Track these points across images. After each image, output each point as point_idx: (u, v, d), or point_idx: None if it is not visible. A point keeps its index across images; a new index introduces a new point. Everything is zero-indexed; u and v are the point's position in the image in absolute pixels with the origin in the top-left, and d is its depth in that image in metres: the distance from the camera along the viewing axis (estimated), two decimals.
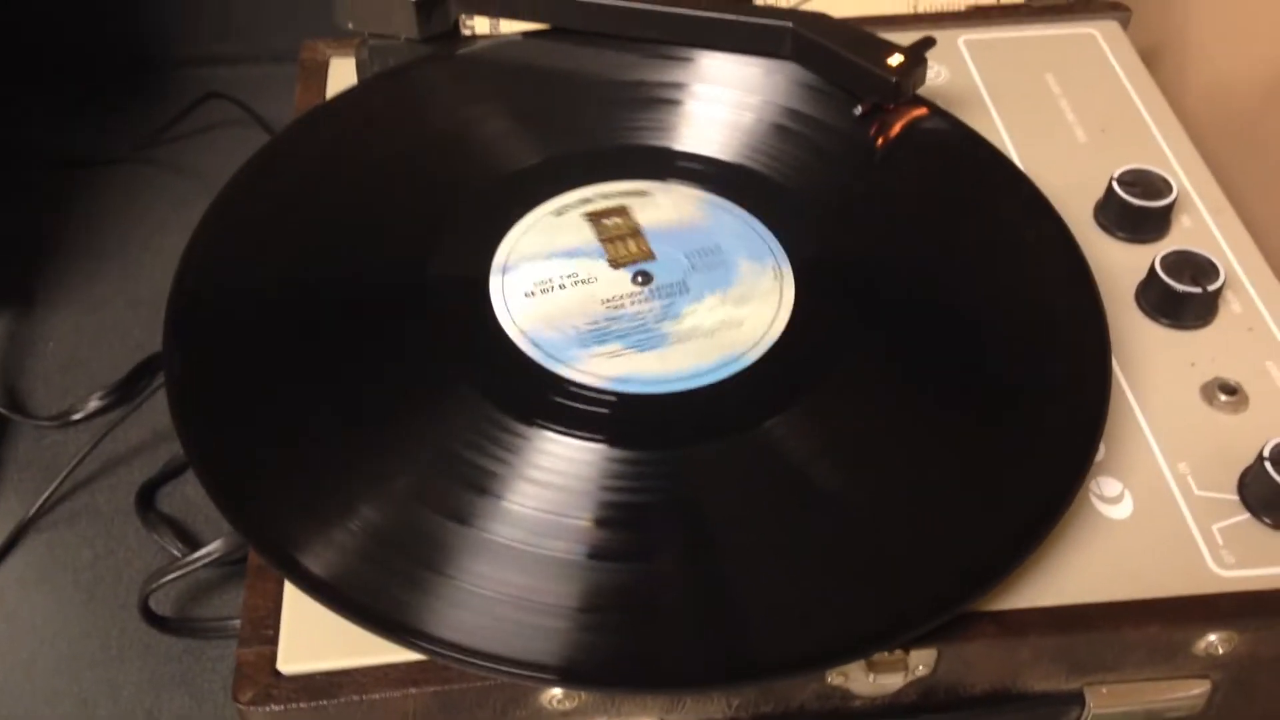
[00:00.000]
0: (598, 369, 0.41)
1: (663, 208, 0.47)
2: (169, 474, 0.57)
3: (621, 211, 0.46)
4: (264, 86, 0.76)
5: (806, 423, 0.40)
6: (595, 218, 0.45)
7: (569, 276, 0.44)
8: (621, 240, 0.45)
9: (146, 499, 0.56)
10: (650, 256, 0.45)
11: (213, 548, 0.49)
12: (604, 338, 0.42)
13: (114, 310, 0.65)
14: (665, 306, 0.44)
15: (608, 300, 0.44)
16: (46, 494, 0.55)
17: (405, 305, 0.43)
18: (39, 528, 0.55)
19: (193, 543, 0.54)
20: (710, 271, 0.45)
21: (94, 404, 0.59)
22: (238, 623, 0.50)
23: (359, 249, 0.45)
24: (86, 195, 0.71)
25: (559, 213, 0.46)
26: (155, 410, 0.59)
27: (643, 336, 0.43)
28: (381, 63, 0.52)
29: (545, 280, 0.44)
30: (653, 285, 0.44)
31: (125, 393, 0.60)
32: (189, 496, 0.56)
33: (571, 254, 0.45)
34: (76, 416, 0.59)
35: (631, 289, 0.44)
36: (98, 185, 0.71)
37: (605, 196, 0.47)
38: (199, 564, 0.49)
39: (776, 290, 0.44)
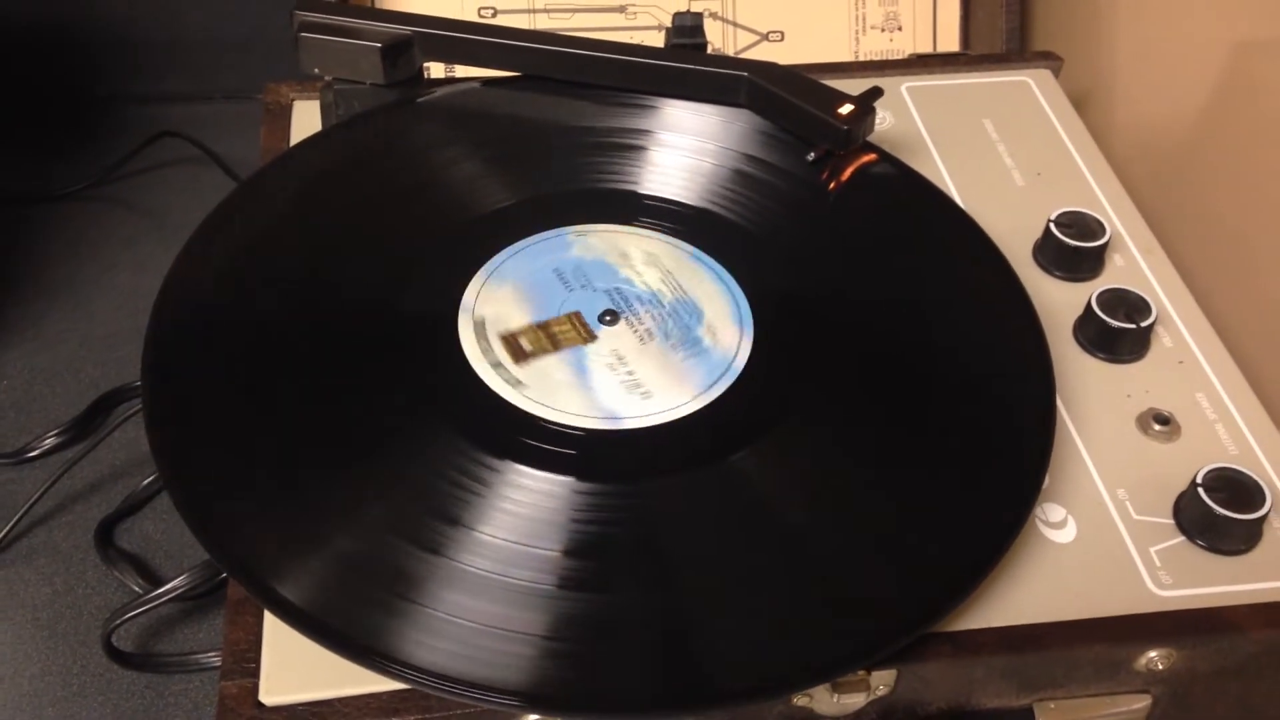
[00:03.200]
0: (566, 405, 0.43)
1: (632, 257, 0.48)
2: (127, 510, 0.57)
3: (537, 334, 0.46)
4: (215, 124, 0.77)
5: (768, 457, 0.42)
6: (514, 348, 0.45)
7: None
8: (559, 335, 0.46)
9: (105, 535, 0.56)
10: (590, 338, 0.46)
11: (176, 583, 0.49)
12: (575, 372, 0.44)
13: (67, 348, 0.65)
14: (633, 346, 0.45)
15: (577, 338, 0.45)
16: (4, 532, 0.55)
17: (379, 342, 0.44)
18: None
19: (153, 578, 0.54)
20: (674, 314, 0.46)
21: (50, 441, 0.59)
22: (200, 658, 0.51)
23: (334, 286, 0.46)
24: (37, 232, 0.71)
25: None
26: (112, 447, 0.59)
27: (609, 373, 0.44)
28: (346, 107, 0.53)
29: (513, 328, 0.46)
30: (621, 324, 0.46)
31: (81, 430, 0.60)
32: (148, 532, 0.57)
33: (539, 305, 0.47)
34: (33, 454, 0.59)
35: (601, 327, 0.46)
36: (48, 222, 0.71)
37: (587, 237, 0.49)
38: (163, 599, 0.50)
39: (737, 329, 0.46)
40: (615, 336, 0.45)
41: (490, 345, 0.44)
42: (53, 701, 0.51)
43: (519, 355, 0.44)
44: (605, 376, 0.44)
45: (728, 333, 0.45)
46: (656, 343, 0.45)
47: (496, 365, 0.44)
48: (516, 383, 0.43)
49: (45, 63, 0.78)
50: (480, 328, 0.45)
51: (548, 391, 0.43)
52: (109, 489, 0.58)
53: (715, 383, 0.44)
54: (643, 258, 0.48)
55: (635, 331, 0.46)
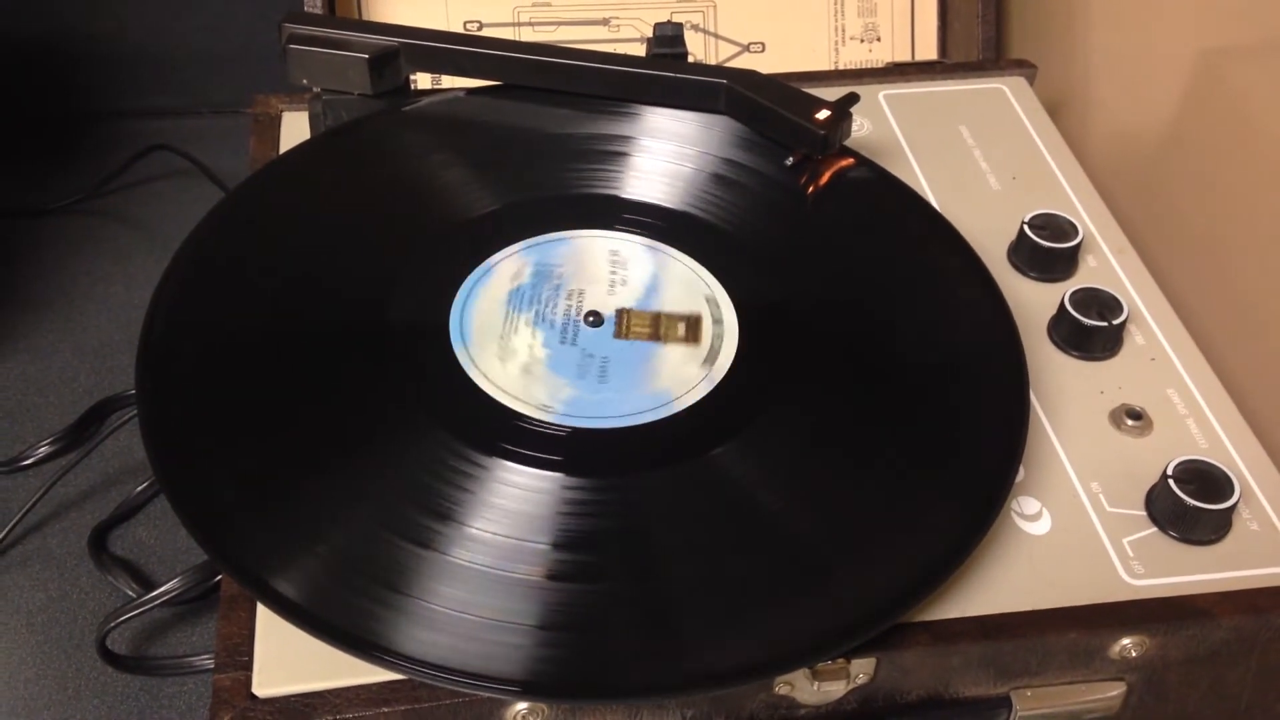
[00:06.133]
0: (553, 403, 0.44)
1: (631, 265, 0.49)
2: (120, 516, 0.58)
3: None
4: (206, 137, 0.78)
5: (749, 451, 0.43)
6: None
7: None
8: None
9: (99, 542, 0.56)
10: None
11: (170, 586, 0.50)
12: (558, 373, 0.45)
13: (60, 358, 0.66)
14: (600, 351, 0.46)
15: (561, 339, 0.46)
16: None
17: (367, 343, 0.45)
18: None
19: (147, 583, 0.55)
20: (656, 315, 0.47)
21: (44, 449, 0.60)
22: (194, 660, 0.52)
23: (322, 290, 0.47)
24: (30, 246, 0.72)
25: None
26: (105, 455, 0.60)
27: (568, 369, 0.45)
28: (335, 116, 0.54)
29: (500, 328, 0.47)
30: (605, 326, 0.47)
31: (74, 438, 0.61)
32: (141, 538, 0.57)
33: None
34: (26, 462, 0.60)
35: (584, 328, 0.47)
36: (41, 236, 0.72)
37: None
38: (157, 602, 0.50)
39: (711, 363, 0.46)
40: (597, 337, 0.46)
41: (475, 338, 0.45)
42: (48, 705, 0.51)
43: (504, 352, 0.45)
44: (581, 375, 0.45)
45: (696, 368, 0.46)
46: (635, 345, 0.46)
47: (478, 357, 0.45)
48: (493, 373, 0.44)
49: (37, 78, 0.79)
50: (467, 320, 0.46)
51: (523, 386, 0.44)
52: (102, 496, 0.59)
53: (658, 408, 0.44)
54: (634, 263, 0.49)
55: (616, 334, 0.47)
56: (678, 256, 0.50)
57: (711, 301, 0.48)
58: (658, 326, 0.47)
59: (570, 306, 0.47)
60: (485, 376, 0.44)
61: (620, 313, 0.47)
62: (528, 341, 0.46)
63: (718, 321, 0.47)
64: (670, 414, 0.44)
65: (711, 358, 0.46)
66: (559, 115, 0.55)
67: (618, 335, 0.46)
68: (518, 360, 0.45)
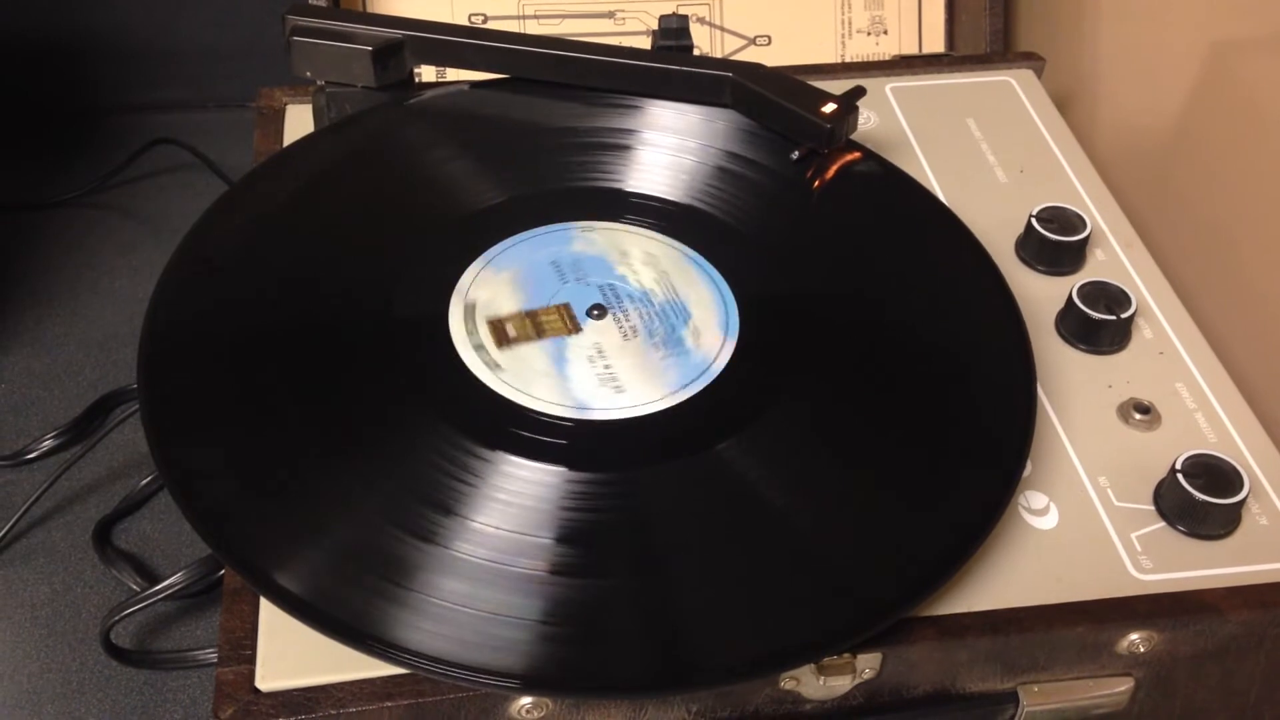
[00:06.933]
0: (543, 393, 0.44)
1: (632, 258, 0.49)
2: (125, 510, 0.58)
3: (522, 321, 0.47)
4: (210, 131, 0.78)
5: (753, 446, 0.43)
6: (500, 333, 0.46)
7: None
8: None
9: (103, 535, 0.56)
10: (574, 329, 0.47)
11: (174, 579, 0.50)
12: (553, 362, 0.45)
13: (65, 352, 0.66)
14: (616, 341, 0.46)
15: (565, 330, 0.46)
16: (3, 532, 0.56)
17: (369, 334, 0.45)
18: None
19: (151, 577, 0.55)
20: (662, 313, 0.47)
21: (48, 443, 0.60)
22: (198, 654, 0.51)
23: (325, 281, 0.47)
24: (35, 239, 0.72)
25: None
26: (109, 449, 0.60)
27: (587, 366, 0.45)
28: (338, 109, 0.54)
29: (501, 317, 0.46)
30: (608, 319, 0.47)
31: (79, 432, 0.61)
32: (145, 532, 0.57)
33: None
34: (31, 456, 0.60)
35: (589, 321, 0.46)
36: (46, 229, 0.72)
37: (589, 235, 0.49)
38: (161, 596, 0.50)
39: (723, 322, 0.47)
40: (600, 331, 0.46)
41: (476, 329, 0.45)
42: (52, 699, 0.51)
43: (502, 339, 0.45)
44: (583, 369, 0.45)
45: (712, 333, 0.46)
46: (640, 340, 0.46)
47: (479, 348, 0.45)
48: (495, 366, 0.44)
49: (42, 73, 0.79)
50: (470, 311, 0.46)
51: (525, 379, 0.44)
52: (106, 490, 0.59)
53: (698, 377, 0.44)
54: (641, 257, 0.49)
55: (620, 328, 0.46)
56: (691, 255, 0.49)
57: (718, 298, 0.48)
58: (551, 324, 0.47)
59: (578, 297, 0.47)
60: (479, 360, 0.44)
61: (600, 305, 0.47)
62: (527, 327, 0.46)
63: (722, 319, 0.47)
64: (670, 408, 0.44)
65: (713, 357, 0.46)
66: (564, 108, 0.54)
67: (619, 328, 0.46)
68: (514, 346, 0.45)
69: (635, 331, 0.46)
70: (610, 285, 0.48)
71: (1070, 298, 0.50)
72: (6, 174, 0.75)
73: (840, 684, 0.40)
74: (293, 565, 0.38)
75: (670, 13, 0.59)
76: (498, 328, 0.45)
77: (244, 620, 0.39)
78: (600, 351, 0.45)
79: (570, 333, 0.46)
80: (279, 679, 0.38)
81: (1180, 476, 0.43)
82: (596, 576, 0.39)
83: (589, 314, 0.47)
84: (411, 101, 0.55)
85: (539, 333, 0.46)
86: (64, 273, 0.70)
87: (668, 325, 0.46)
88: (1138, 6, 0.64)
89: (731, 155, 0.53)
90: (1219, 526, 0.43)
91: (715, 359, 0.45)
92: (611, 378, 0.44)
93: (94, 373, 0.64)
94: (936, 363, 0.46)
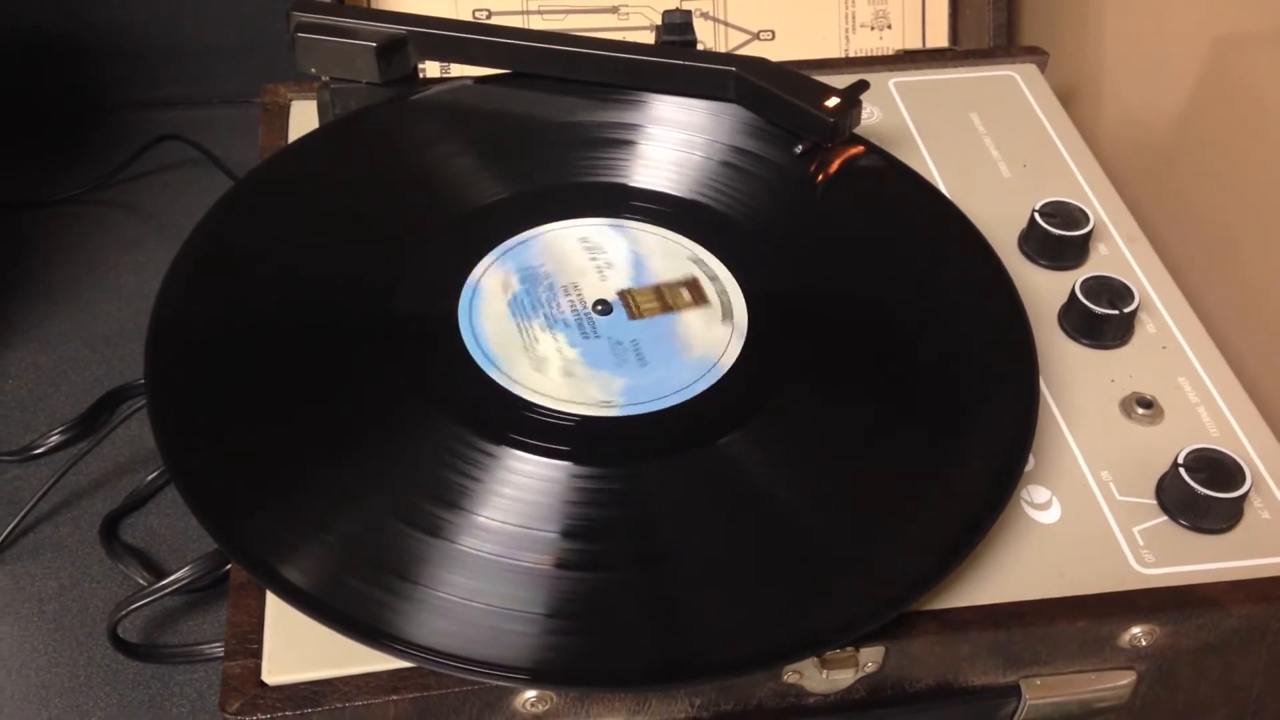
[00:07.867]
0: (562, 392, 0.44)
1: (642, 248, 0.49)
2: (131, 505, 0.58)
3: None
4: (215, 127, 0.78)
5: (757, 440, 0.43)
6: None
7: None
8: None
9: (110, 530, 0.57)
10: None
11: (181, 574, 0.50)
12: (599, 368, 0.45)
13: (71, 348, 0.66)
14: (626, 335, 0.46)
15: (583, 334, 0.46)
16: (10, 528, 0.56)
17: (376, 330, 0.45)
18: (3, 561, 0.56)
19: (158, 572, 0.55)
20: (668, 309, 0.47)
21: (55, 438, 0.60)
22: (205, 648, 0.52)
23: (331, 277, 0.47)
24: (40, 236, 0.72)
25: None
26: (116, 444, 0.60)
27: (606, 361, 0.45)
28: (343, 105, 0.54)
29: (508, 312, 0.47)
30: (611, 316, 0.47)
31: (86, 427, 0.61)
32: (152, 527, 0.58)
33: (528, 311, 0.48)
34: (38, 451, 0.60)
35: (597, 318, 0.47)
36: (51, 226, 0.72)
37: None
38: (168, 590, 0.50)
39: (730, 318, 0.47)
40: (615, 322, 0.46)
41: (505, 359, 0.45)
42: (60, 693, 0.52)
43: (540, 365, 0.45)
44: (624, 361, 0.45)
45: (720, 326, 0.46)
46: (656, 318, 0.46)
47: (520, 378, 0.44)
48: (547, 388, 0.44)
49: (46, 70, 0.79)
50: (483, 339, 0.46)
51: (581, 390, 0.44)
52: (113, 485, 0.59)
53: (707, 373, 0.45)
54: (605, 243, 0.49)
55: (629, 321, 0.46)
56: (645, 228, 0.49)
57: (698, 261, 0.48)
58: (664, 297, 0.47)
59: (573, 301, 0.47)
60: (534, 390, 0.44)
61: (623, 294, 0.47)
62: (553, 346, 0.46)
63: (713, 278, 0.48)
64: (721, 375, 0.44)
65: (727, 313, 0.46)
66: (568, 103, 0.55)
67: (631, 317, 0.46)
68: (554, 366, 0.45)
69: (643, 315, 0.46)
70: (596, 280, 0.48)
71: (1073, 292, 0.50)
72: (11, 171, 0.75)
73: (843, 677, 0.41)
74: (299, 560, 0.38)
75: (674, 8, 0.59)
76: (523, 349, 0.45)
77: (250, 614, 0.40)
78: (626, 342, 0.46)
79: (590, 335, 0.46)
80: (285, 673, 0.38)
81: (1182, 471, 0.43)
82: (601, 570, 0.39)
83: (595, 310, 0.47)
84: (416, 97, 0.55)
85: (562, 342, 0.46)
86: (69, 269, 0.70)
87: (669, 299, 0.47)
88: (1141, 1, 0.64)
89: (735, 150, 0.53)
90: (1221, 521, 0.43)
91: (721, 354, 0.45)
92: (650, 364, 0.45)
93: (100, 369, 0.65)
94: (939, 356, 0.46)
